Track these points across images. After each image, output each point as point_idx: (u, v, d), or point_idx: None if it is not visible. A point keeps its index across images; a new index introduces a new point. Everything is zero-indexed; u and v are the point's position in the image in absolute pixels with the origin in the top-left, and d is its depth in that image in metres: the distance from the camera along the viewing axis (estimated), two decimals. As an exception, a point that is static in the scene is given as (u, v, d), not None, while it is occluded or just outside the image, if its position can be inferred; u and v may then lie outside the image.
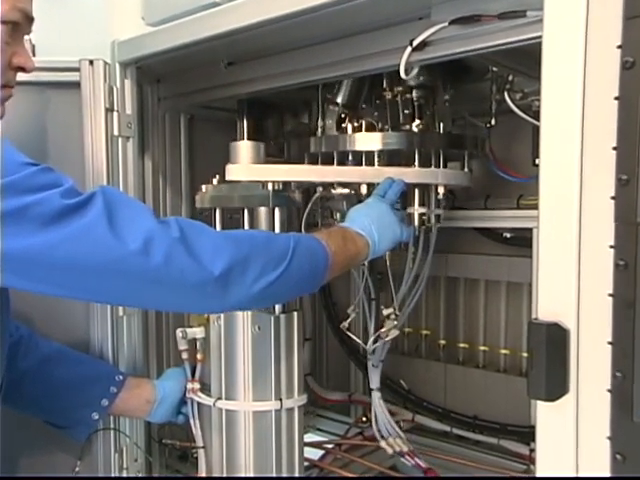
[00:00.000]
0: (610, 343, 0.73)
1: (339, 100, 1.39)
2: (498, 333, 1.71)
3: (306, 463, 1.53)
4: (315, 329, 1.96)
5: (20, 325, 1.26)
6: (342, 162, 1.34)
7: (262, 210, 1.33)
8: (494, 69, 1.31)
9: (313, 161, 1.38)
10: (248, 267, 0.95)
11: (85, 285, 0.91)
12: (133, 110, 1.39)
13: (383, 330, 1.43)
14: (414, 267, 1.41)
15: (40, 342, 1.28)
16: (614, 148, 0.72)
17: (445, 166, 1.34)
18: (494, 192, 1.55)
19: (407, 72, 1.12)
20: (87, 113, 1.33)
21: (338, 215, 1.41)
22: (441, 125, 1.35)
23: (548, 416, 0.79)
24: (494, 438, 1.62)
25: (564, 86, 0.76)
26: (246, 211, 1.31)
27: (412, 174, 1.30)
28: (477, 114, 1.49)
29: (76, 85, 1.32)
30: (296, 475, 1.34)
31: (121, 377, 1.31)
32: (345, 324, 1.51)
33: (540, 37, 0.78)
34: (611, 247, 0.73)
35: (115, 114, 1.35)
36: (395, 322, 1.42)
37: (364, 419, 1.82)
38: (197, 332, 1.31)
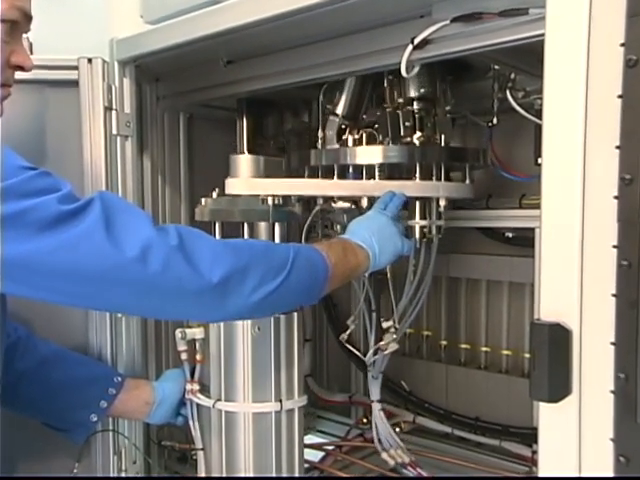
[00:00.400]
0: (613, 344, 0.73)
1: (339, 111, 1.38)
2: (500, 334, 1.69)
3: (306, 465, 1.52)
4: (315, 330, 1.95)
5: (18, 326, 1.25)
6: (343, 175, 1.32)
7: (262, 224, 1.33)
8: (496, 67, 1.30)
9: (313, 172, 1.37)
10: (247, 276, 0.93)
11: (82, 293, 0.90)
12: (132, 109, 1.38)
13: (382, 343, 1.43)
14: (415, 280, 1.40)
15: (38, 343, 1.27)
16: (617, 147, 0.71)
17: (447, 178, 1.33)
18: (496, 192, 1.54)
19: (408, 70, 1.11)
20: (85, 112, 1.32)
21: (338, 227, 1.41)
22: (442, 137, 1.32)
23: (550, 417, 0.78)
24: (496, 440, 1.61)
25: (566, 84, 0.75)
26: (246, 225, 1.30)
27: (413, 187, 1.29)
28: (479, 113, 1.48)
29: (74, 83, 1.32)
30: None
31: (120, 378, 1.30)
32: (344, 336, 1.50)
33: (542, 35, 0.78)
34: (614, 247, 0.72)
35: (114, 113, 1.35)
36: (394, 336, 1.42)
37: (365, 420, 1.81)
38: (196, 333, 1.30)
